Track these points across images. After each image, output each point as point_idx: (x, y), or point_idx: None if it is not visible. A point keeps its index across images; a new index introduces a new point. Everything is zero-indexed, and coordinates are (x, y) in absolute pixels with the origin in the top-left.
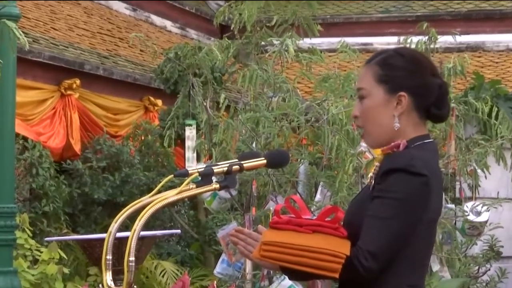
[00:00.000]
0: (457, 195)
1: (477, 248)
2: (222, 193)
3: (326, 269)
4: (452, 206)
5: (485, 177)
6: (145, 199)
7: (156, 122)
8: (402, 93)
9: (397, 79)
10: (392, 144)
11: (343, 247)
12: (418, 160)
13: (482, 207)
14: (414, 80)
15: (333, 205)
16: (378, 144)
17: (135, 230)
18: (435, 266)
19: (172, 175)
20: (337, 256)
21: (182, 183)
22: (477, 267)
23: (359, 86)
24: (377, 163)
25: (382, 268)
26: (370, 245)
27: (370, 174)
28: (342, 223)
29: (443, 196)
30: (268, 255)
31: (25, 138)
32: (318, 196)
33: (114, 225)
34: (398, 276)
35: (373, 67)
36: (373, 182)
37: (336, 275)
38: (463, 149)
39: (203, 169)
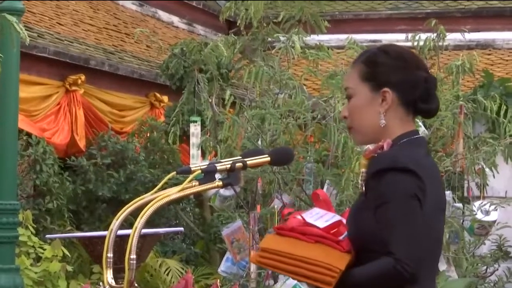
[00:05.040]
0: (465, 194)
1: (485, 248)
2: (223, 191)
3: (319, 280)
4: (460, 205)
5: (493, 176)
6: (147, 196)
7: (162, 118)
8: (386, 89)
9: (381, 76)
10: (375, 147)
11: (340, 261)
12: (401, 157)
13: (490, 206)
14: (397, 76)
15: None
16: (366, 142)
17: (136, 228)
18: (442, 266)
19: (175, 172)
20: (332, 270)
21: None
22: (485, 267)
23: (345, 86)
24: (363, 169)
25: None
26: (400, 254)
27: (360, 182)
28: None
29: (451, 195)
30: (264, 261)
31: (29, 134)
32: None
33: (116, 223)
34: None
35: (358, 66)
36: (364, 188)
37: (330, 287)
38: (471, 147)
39: (206, 166)
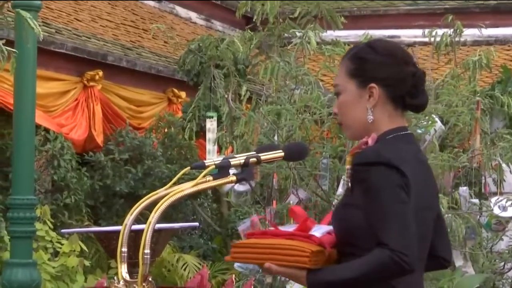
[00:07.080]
0: (482, 189)
1: (503, 244)
2: (237, 187)
3: (294, 262)
4: (476, 201)
5: (510, 171)
6: (161, 191)
7: (180, 114)
8: (372, 84)
9: (368, 72)
10: (360, 142)
11: (311, 247)
12: (385, 152)
13: (507, 202)
14: (384, 71)
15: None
16: (356, 137)
17: (150, 222)
18: (458, 262)
19: (189, 167)
20: (303, 251)
21: None
22: (502, 263)
23: (334, 83)
24: (348, 166)
25: (417, 255)
26: (395, 244)
27: (345, 179)
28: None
29: (468, 191)
30: (237, 256)
31: (47, 130)
32: (340, 190)
33: (130, 217)
34: None
35: (346, 62)
36: (349, 185)
37: (307, 266)
38: (488, 143)
39: (220, 161)
